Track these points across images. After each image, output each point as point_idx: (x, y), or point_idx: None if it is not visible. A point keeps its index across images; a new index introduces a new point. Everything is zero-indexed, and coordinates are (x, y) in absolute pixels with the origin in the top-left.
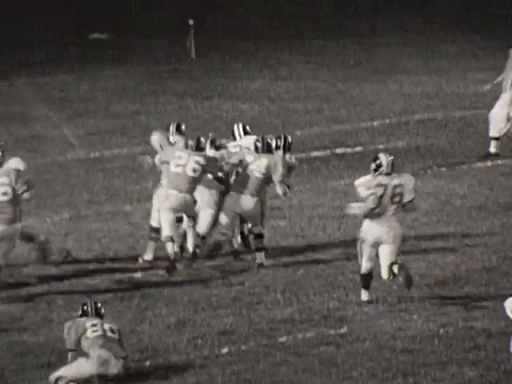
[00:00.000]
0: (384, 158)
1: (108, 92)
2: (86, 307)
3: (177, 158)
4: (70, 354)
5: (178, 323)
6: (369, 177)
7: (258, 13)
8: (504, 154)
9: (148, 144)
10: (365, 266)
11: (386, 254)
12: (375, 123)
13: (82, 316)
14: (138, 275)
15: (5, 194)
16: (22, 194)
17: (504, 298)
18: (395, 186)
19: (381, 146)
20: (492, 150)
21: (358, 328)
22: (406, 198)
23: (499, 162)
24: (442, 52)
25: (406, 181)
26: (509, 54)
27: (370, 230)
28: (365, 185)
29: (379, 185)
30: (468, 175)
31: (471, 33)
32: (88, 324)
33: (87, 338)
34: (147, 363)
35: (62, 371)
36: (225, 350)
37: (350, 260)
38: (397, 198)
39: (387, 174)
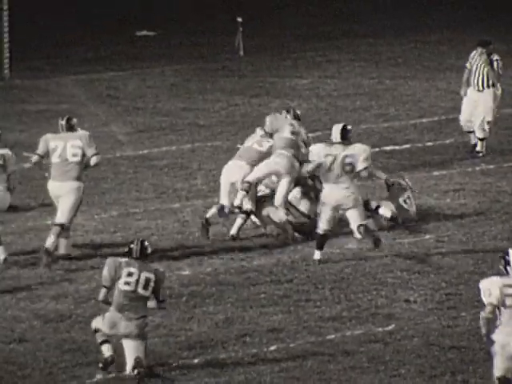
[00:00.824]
0: (334, 128)
1: (156, 89)
2: (132, 245)
3: (289, 126)
4: (102, 290)
5: (227, 321)
6: (321, 145)
7: (307, 11)
8: None
9: (196, 141)
10: (322, 227)
11: (354, 218)
12: (424, 120)
13: (127, 254)
14: (186, 272)
15: (75, 155)
16: (90, 157)
17: None
18: (345, 157)
19: (429, 144)
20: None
21: (406, 325)
22: (359, 167)
23: None
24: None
25: (359, 151)
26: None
27: (330, 194)
28: (315, 154)
29: (328, 155)
30: None
31: None
32: (125, 271)
33: (118, 289)
34: (196, 360)
35: (95, 322)
36: (273, 348)
37: (398, 257)
38: (347, 168)
39: (340, 143)
